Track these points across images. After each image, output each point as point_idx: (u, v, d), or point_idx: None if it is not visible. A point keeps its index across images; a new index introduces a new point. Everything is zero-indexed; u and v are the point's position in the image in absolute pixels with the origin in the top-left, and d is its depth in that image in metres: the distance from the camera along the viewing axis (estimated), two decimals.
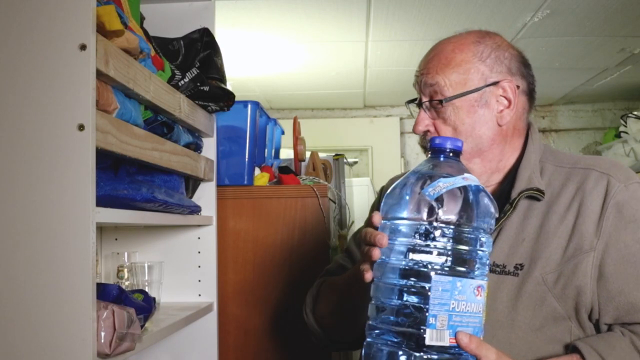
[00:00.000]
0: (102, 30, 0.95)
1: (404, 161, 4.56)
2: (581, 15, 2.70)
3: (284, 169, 2.06)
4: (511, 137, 1.15)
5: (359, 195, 3.23)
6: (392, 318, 0.88)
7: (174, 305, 1.53)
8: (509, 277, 1.07)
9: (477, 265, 0.89)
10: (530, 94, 1.16)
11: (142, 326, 1.10)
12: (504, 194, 1.13)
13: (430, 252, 0.87)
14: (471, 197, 0.90)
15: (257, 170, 1.84)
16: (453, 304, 0.86)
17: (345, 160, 2.65)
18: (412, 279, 0.87)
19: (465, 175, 0.91)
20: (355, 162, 3.20)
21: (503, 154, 1.15)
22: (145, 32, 1.32)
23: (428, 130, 1.14)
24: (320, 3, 2.57)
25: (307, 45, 3.15)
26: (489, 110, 1.11)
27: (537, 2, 2.55)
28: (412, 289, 0.87)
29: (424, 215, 0.88)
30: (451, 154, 0.94)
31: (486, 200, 0.92)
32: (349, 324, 1.19)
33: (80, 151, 0.89)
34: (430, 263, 0.86)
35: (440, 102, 1.10)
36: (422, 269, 0.86)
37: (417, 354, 0.84)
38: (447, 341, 0.85)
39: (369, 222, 1.00)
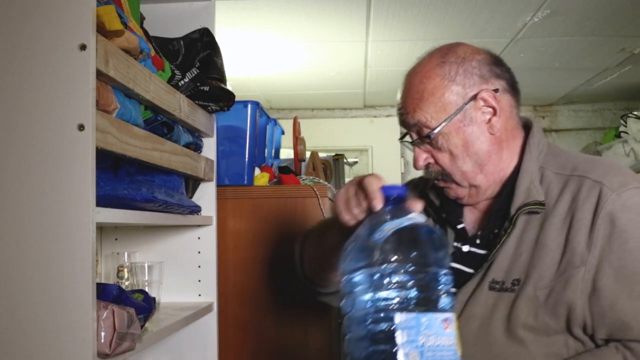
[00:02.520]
0: (102, 30, 0.95)
1: (404, 161, 4.56)
2: (581, 15, 2.70)
3: (284, 169, 2.06)
4: (507, 141, 1.13)
5: None
6: None
7: (174, 305, 1.53)
8: (507, 294, 1.05)
9: (439, 299, 0.88)
10: (513, 88, 1.14)
11: (142, 326, 1.10)
12: (502, 207, 1.11)
13: (388, 293, 0.86)
14: (419, 234, 0.90)
15: (257, 170, 1.84)
16: (422, 339, 0.84)
17: (345, 160, 2.65)
18: (378, 323, 0.86)
19: (411, 215, 0.92)
20: (355, 162, 3.20)
21: (502, 161, 1.13)
22: (145, 32, 1.32)
23: (429, 162, 1.14)
24: (320, 3, 2.57)
25: (307, 45, 3.15)
26: (477, 124, 1.10)
27: (537, 2, 2.55)
28: (380, 334, 0.86)
29: (377, 259, 0.88)
30: (397, 200, 0.95)
31: (435, 236, 0.92)
32: (328, 268, 1.19)
33: (80, 151, 0.89)
34: (390, 303, 0.86)
35: (428, 136, 1.10)
36: (384, 311, 0.86)
37: None
38: None
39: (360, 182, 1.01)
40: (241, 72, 3.59)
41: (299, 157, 2.10)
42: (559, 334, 1.02)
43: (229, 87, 1.57)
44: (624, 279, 0.99)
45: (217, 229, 1.63)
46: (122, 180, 1.14)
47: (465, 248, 1.16)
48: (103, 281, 1.59)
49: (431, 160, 1.14)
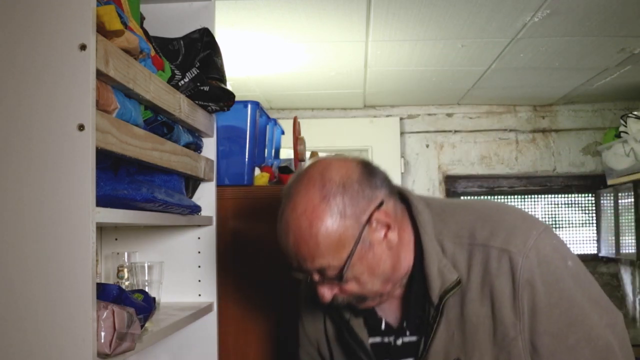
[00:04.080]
0: (102, 30, 0.95)
1: (404, 161, 4.56)
2: (581, 15, 2.70)
3: (284, 169, 2.06)
4: (401, 242, 1.10)
5: None
6: None
7: (174, 305, 1.53)
8: None
9: None
10: (389, 187, 1.11)
11: (142, 326, 1.10)
12: (418, 292, 1.09)
13: None
14: None
15: (257, 170, 1.83)
16: None
17: None
18: None
19: None
20: None
21: (403, 260, 1.10)
22: (145, 32, 1.32)
23: (336, 294, 1.09)
24: (320, 3, 2.57)
25: (307, 45, 3.15)
26: (376, 246, 1.06)
27: (537, 2, 2.55)
28: None
29: None
30: None
31: None
32: None
33: (80, 151, 0.89)
34: None
35: (337, 276, 1.05)
36: None
37: None
38: None
39: None
40: (241, 72, 3.59)
41: (299, 157, 2.10)
42: None
43: (229, 87, 1.57)
44: (557, 334, 1.01)
45: (217, 229, 1.63)
46: (122, 180, 1.14)
47: (399, 341, 1.14)
48: (103, 281, 1.59)
49: (337, 291, 1.09)
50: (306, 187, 1.06)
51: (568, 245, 1.10)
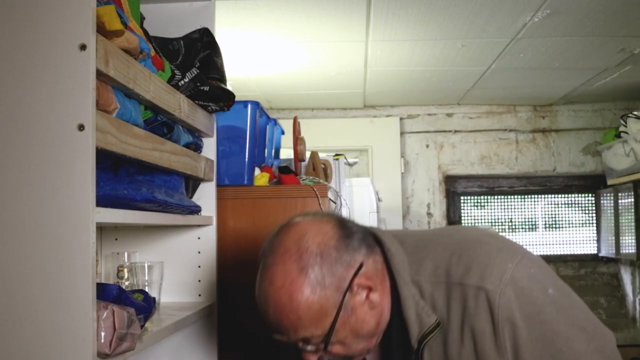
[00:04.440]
0: (102, 30, 0.95)
1: (404, 161, 4.56)
2: (581, 15, 2.70)
3: (284, 169, 2.06)
4: (382, 292, 1.07)
5: (359, 195, 3.22)
6: None
7: (174, 305, 1.53)
8: None
9: None
10: (366, 242, 1.08)
11: (142, 326, 1.10)
12: (398, 337, 1.08)
13: None
14: None
15: (257, 170, 1.84)
16: None
17: (345, 160, 2.65)
18: None
19: None
20: (355, 162, 3.19)
21: (385, 312, 1.08)
22: (145, 32, 1.32)
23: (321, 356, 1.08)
24: (320, 3, 2.57)
25: (307, 45, 3.15)
26: (359, 308, 1.04)
27: (537, 2, 2.55)
28: None
29: None
30: None
31: None
32: None
33: (80, 151, 0.89)
34: None
35: (321, 344, 1.04)
36: None
37: None
38: None
39: None
40: (241, 72, 3.59)
41: (299, 157, 2.10)
42: None
43: (229, 87, 1.57)
44: None
45: (217, 229, 1.63)
46: (122, 180, 1.14)
47: None
48: (103, 281, 1.59)
49: (322, 353, 1.07)
50: (282, 258, 1.03)
51: (549, 270, 1.06)
